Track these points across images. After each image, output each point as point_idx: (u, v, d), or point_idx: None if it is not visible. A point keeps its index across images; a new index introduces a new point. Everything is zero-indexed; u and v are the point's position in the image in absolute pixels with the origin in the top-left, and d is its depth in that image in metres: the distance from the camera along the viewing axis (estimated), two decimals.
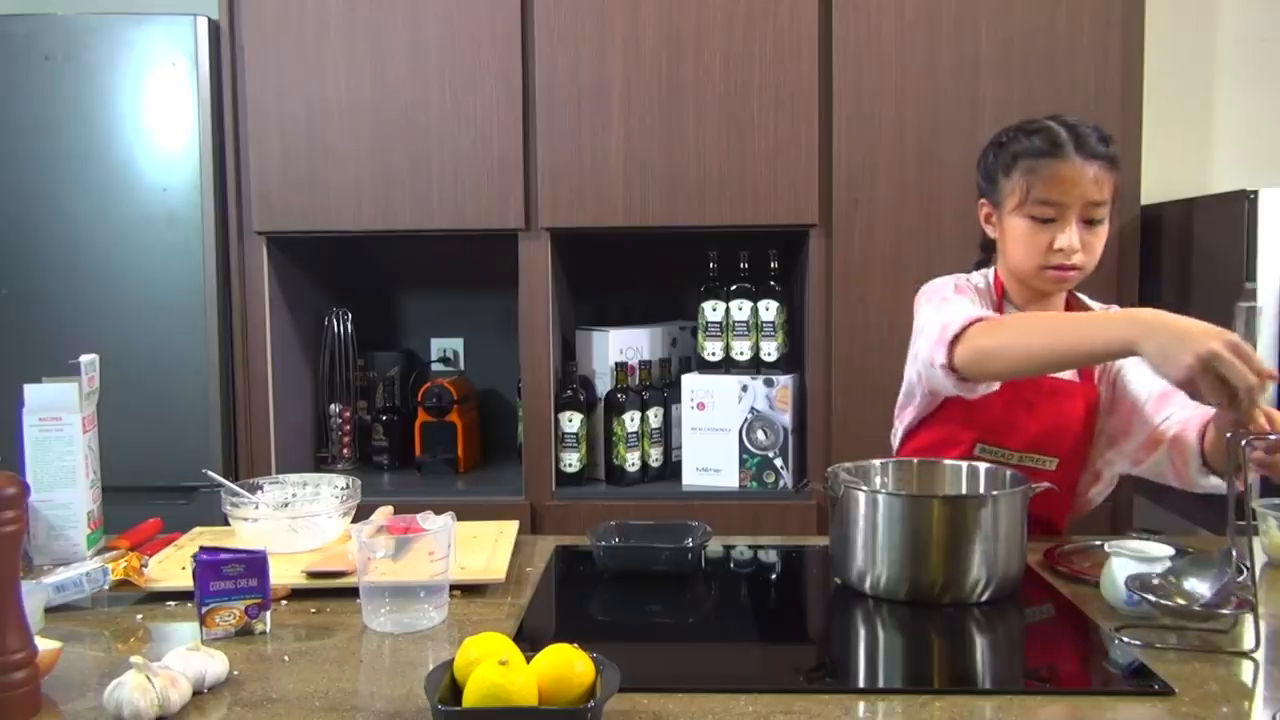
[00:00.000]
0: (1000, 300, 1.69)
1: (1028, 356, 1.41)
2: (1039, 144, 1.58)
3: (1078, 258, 1.57)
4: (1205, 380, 1.19)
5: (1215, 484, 1.46)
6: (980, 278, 1.72)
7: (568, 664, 0.98)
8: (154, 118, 2.47)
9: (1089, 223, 1.58)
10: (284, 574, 1.38)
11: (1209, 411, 1.48)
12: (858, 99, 2.43)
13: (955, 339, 1.46)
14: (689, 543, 1.49)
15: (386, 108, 2.48)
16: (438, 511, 1.33)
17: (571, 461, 2.59)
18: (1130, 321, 1.30)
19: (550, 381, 2.53)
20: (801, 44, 2.43)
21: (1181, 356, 1.20)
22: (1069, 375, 1.67)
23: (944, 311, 1.53)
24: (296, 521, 1.51)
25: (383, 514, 1.50)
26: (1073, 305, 1.73)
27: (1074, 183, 1.55)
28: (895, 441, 1.80)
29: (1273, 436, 1.28)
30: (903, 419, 1.76)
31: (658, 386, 2.66)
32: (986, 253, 1.76)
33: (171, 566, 1.46)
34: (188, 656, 1.07)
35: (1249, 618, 1.19)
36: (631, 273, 2.92)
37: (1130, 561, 1.29)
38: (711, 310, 2.59)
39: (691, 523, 1.54)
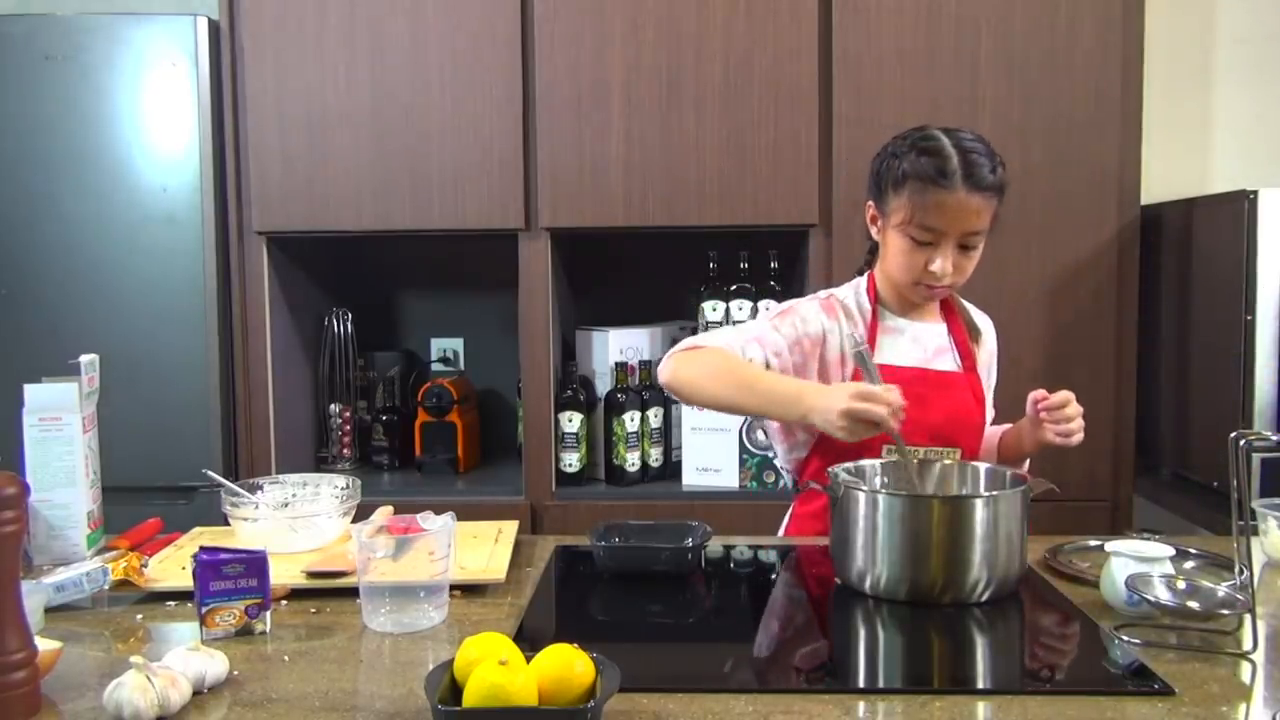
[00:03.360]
0: (874, 304, 1.71)
1: (715, 398, 1.63)
2: (929, 169, 1.57)
3: (948, 279, 1.61)
4: (858, 426, 1.42)
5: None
6: (850, 290, 1.73)
7: (568, 664, 0.98)
8: (154, 118, 2.47)
9: (965, 247, 1.61)
10: (284, 574, 1.38)
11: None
12: (858, 99, 2.43)
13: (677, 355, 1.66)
14: (689, 543, 1.49)
15: (386, 108, 2.48)
16: (438, 511, 1.33)
17: (571, 461, 2.59)
18: (797, 401, 1.51)
19: (550, 381, 2.53)
20: (801, 44, 2.43)
21: (831, 419, 1.43)
22: (952, 366, 1.71)
23: (725, 332, 1.71)
24: (296, 521, 1.51)
25: (383, 514, 1.50)
26: (950, 307, 1.77)
27: (956, 214, 1.57)
28: (789, 467, 1.80)
29: (1274, 438, 1.29)
30: (793, 440, 1.75)
31: (658, 386, 2.66)
32: (871, 254, 1.78)
33: (171, 566, 1.46)
34: (188, 656, 1.07)
35: (1249, 618, 1.19)
36: (631, 273, 2.91)
37: (1130, 561, 1.29)
38: (711, 310, 2.59)
39: (691, 523, 1.55)
